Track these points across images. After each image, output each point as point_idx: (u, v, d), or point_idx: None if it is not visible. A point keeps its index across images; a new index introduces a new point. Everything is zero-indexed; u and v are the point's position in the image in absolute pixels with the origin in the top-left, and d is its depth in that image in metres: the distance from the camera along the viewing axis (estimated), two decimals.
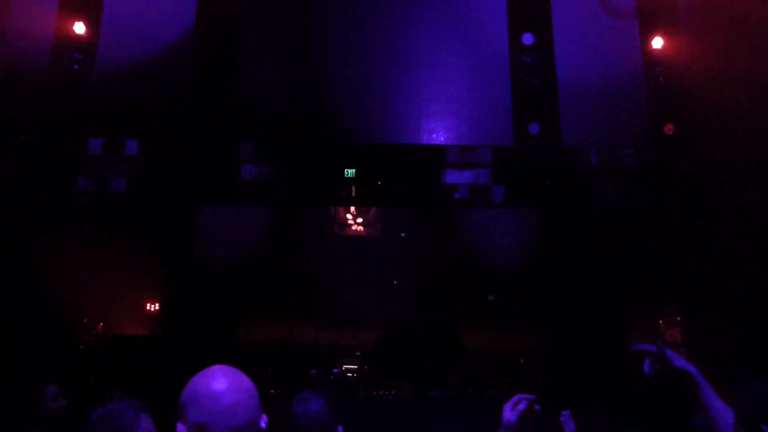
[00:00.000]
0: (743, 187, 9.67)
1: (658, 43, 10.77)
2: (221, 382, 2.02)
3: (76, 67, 10.46)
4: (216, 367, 2.08)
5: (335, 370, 9.40)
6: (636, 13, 11.14)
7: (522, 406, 2.83)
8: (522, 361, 8.49)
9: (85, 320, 9.02)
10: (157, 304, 9.76)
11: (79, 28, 10.38)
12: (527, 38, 10.91)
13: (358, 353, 11.07)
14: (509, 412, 2.83)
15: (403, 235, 13.43)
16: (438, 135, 12.38)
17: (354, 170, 11.27)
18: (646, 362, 3.08)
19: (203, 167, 10.74)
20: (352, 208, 13.31)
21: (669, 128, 10.56)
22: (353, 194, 11.51)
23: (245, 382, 2.02)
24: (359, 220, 13.47)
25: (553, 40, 10.91)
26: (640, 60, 10.96)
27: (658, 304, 9.32)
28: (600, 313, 6.62)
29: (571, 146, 11.03)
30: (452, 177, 11.62)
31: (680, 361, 3.09)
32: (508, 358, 8.93)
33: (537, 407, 2.82)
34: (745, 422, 2.32)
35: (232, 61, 11.28)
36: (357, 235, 13.57)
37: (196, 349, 7.51)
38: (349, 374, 9.07)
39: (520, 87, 11.04)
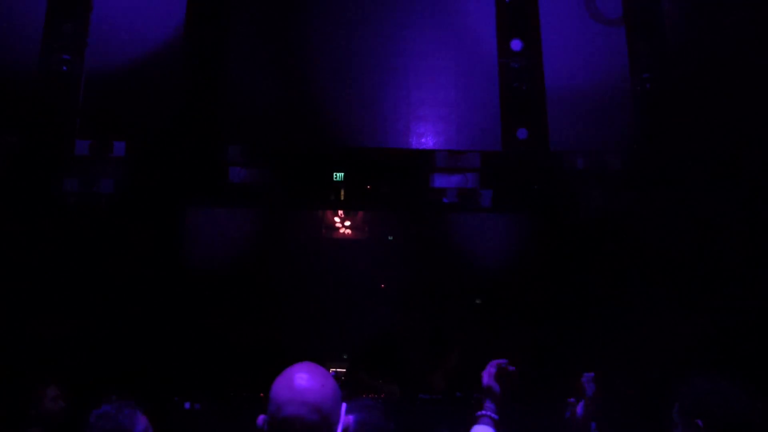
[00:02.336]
0: (728, 192, 9.82)
1: (644, 49, 10.90)
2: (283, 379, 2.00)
3: (65, 68, 10.40)
4: (298, 365, 2.06)
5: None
6: (623, 20, 11.27)
7: (493, 369, 3.03)
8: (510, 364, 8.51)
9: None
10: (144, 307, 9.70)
11: (68, 29, 10.32)
12: (515, 44, 11.00)
13: (345, 356, 11.08)
14: (486, 378, 3.04)
15: (390, 238, 13.46)
16: (427, 139, 12.44)
17: (343, 174, 11.29)
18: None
19: (191, 169, 10.71)
20: (340, 212, 13.32)
21: (653, 134, 10.69)
22: (342, 198, 11.52)
23: (310, 384, 1.97)
24: (347, 223, 13.48)
25: (542, 46, 11.01)
26: (627, 66, 11.09)
27: (645, 303, 9.42)
28: (588, 315, 6.70)
29: (558, 151, 11.13)
30: (440, 181, 11.67)
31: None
32: (497, 360, 8.96)
33: (511, 368, 3.02)
34: (683, 416, 2.43)
35: (222, 62, 11.27)
36: (345, 238, 13.58)
37: (183, 351, 7.49)
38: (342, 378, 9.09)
39: (508, 92, 11.12)
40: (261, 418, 2.06)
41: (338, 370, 10.25)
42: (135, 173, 10.69)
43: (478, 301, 12.75)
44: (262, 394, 6.75)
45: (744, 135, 9.57)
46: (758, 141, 9.49)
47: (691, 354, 8.25)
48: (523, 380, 3.02)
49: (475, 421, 2.93)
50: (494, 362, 3.08)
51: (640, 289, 9.52)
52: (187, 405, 5.57)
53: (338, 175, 11.30)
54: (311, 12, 12.25)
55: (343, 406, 2.03)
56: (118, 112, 10.94)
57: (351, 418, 2.03)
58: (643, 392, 6.76)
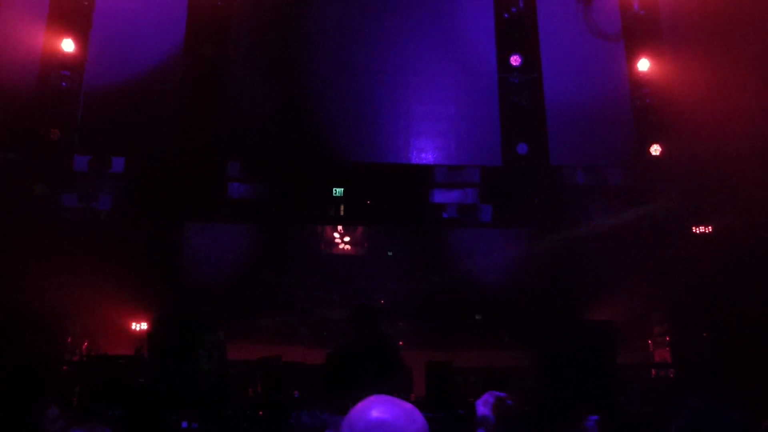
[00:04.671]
0: (727, 206, 9.79)
1: (643, 65, 10.92)
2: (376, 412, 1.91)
3: (64, 84, 10.40)
4: (375, 399, 1.96)
5: None
6: (622, 36, 11.29)
7: (490, 399, 2.85)
8: (510, 380, 8.43)
9: (69, 340, 8.87)
10: (142, 324, 9.64)
11: (68, 45, 10.34)
12: (515, 59, 11.02)
13: None
14: (481, 407, 2.87)
15: (390, 254, 13.39)
16: (426, 154, 12.42)
17: (342, 189, 11.26)
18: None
19: (190, 185, 10.67)
20: (340, 227, 13.27)
21: (654, 148, 10.67)
22: (341, 213, 11.49)
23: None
24: (346, 238, 13.42)
25: (541, 61, 11.02)
26: (626, 81, 11.10)
27: (647, 321, 9.36)
28: (589, 331, 6.64)
29: (558, 166, 11.11)
30: (440, 196, 11.64)
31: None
32: (497, 377, 8.88)
33: (509, 402, 2.82)
34: None
35: (221, 78, 11.27)
36: (344, 254, 13.51)
37: (181, 369, 7.40)
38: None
39: (508, 107, 11.12)
40: None
41: None
42: (134, 189, 10.66)
43: (478, 317, 12.68)
44: (261, 412, 6.67)
45: (745, 144, 9.54)
46: (757, 149, 9.46)
47: (691, 372, 8.18)
48: (523, 412, 2.86)
49: None
50: (492, 393, 2.92)
51: (642, 303, 9.47)
52: (184, 424, 5.49)
53: (338, 190, 11.28)
54: (310, 28, 12.28)
55: None
56: (117, 128, 10.91)
57: None
58: (642, 411, 6.69)
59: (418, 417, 1.89)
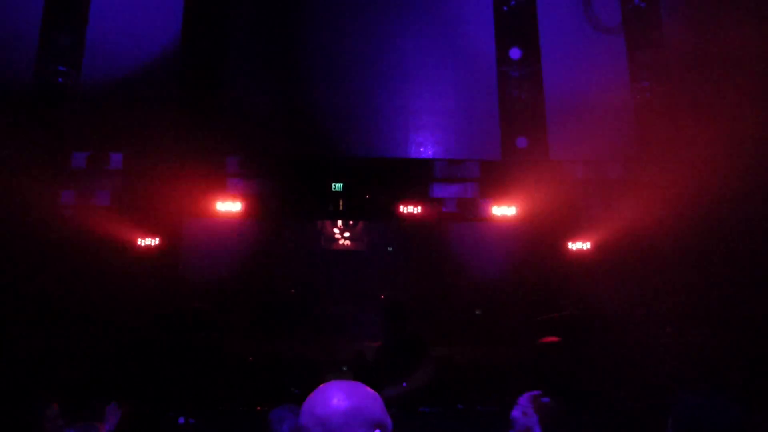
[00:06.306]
0: (730, 199, 9.74)
1: (643, 58, 10.85)
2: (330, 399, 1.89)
3: (60, 79, 10.35)
4: (341, 381, 1.96)
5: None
6: (622, 29, 11.23)
7: (529, 407, 2.76)
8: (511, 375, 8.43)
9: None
10: (142, 319, 9.61)
11: (64, 40, 10.27)
12: (515, 52, 10.96)
13: (344, 368, 10.97)
14: (519, 417, 2.77)
15: (390, 249, 13.36)
16: (426, 148, 12.38)
17: (341, 184, 11.22)
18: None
19: (188, 180, 10.64)
20: (339, 222, 13.23)
21: (654, 142, 10.62)
22: (340, 208, 11.45)
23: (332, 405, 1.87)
24: (346, 234, 13.40)
25: (541, 54, 10.97)
26: (627, 75, 11.03)
27: (649, 316, 9.33)
28: (590, 325, 6.62)
29: (558, 160, 11.07)
30: (440, 191, 11.60)
31: None
32: (497, 372, 8.87)
33: (546, 400, 2.73)
34: (676, 431, 2.43)
35: (219, 73, 11.23)
36: (344, 249, 13.49)
37: (181, 363, 7.40)
38: None
39: (507, 101, 11.07)
40: None
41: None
42: (132, 185, 10.63)
43: (478, 312, 12.66)
44: (258, 408, 6.65)
45: (746, 139, 9.50)
46: (758, 145, 9.41)
47: (688, 367, 8.15)
48: (561, 410, 2.75)
49: None
50: (527, 396, 2.79)
51: (641, 300, 9.44)
52: (181, 420, 5.47)
53: (337, 185, 11.24)
54: (309, 22, 12.23)
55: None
56: (115, 124, 10.87)
57: None
58: (641, 406, 6.67)
59: (373, 392, 1.89)
